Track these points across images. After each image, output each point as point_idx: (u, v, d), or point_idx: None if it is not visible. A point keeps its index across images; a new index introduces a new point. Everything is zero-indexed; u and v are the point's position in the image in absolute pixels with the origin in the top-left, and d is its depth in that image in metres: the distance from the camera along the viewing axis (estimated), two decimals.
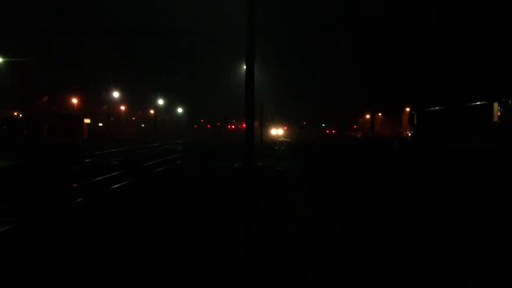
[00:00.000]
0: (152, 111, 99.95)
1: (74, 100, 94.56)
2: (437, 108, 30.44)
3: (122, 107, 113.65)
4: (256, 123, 30.81)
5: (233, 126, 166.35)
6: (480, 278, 7.73)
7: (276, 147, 48.51)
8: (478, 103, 25.13)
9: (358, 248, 9.36)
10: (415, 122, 33.79)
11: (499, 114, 22.87)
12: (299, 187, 18.78)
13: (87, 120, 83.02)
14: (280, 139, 75.45)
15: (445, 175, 23.34)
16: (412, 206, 14.30)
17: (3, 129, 55.09)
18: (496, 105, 23.14)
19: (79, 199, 15.65)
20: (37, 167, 27.27)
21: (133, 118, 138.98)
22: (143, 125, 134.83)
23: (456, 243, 9.93)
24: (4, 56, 48.45)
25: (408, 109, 61.48)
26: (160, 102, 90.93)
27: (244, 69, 8.35)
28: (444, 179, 21.96)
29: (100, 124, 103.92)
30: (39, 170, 26.05)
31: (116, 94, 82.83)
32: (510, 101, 22.07)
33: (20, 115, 68.17)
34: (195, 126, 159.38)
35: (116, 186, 19.23)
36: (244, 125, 8.49)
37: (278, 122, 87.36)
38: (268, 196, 15.63)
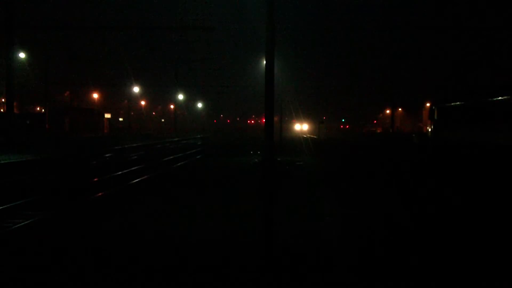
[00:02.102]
0: (172, 106, 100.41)
1: (95, 95, 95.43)
2: (458, 103, 30.18)
3: (143, 102, 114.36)
4: (276, 118, 30.83)
5: (252, 121, 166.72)
6: None
7: (297, 143, 48.08)
8: (499, 98, 24.87)
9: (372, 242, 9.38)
10: (436, 117, 33.55)
11: None
12: (317, 181, 18.83)
13: (107, 115, 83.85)
14: (305, 135, 68.77)
15: (467, 171, 23.16)
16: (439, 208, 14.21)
17: (26, 124, 55.82)
18: None
19: (100, 194, 15.83)
20: (59, 162, 27.60)
21: (153, 113, 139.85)
22: (163, 120, 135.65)
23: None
24: (26, 51, 49.02)
25: (428, 104, 60.99)
26: (180, 97, 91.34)
27: (264, 64, 8.39)
28: (465, 174, 21.80)
29: (121, 119, 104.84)
30: (61, 164, 26.37)
31: (136, 89, 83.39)
32: None
33: (43, 110, 68.94)
34: (214, 121, 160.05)
35: (136, 180, 19.40)
36: (264, 120, 8.53)
37: (303, 118, 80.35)
38: (287, 190, 15.69)
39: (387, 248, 8.98)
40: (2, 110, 72.16)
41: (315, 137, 62.50)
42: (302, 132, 74.29)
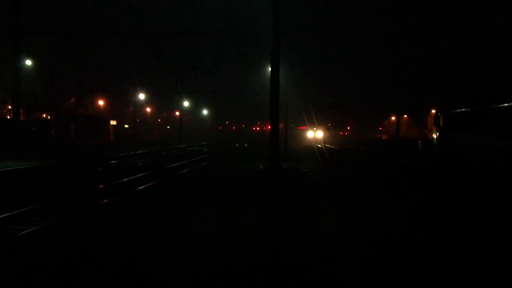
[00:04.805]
0: (177, 113, 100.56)
1: (101, 102, 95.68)
2: (464, 109, 30.07)
3: (148, 109, 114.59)
4: (281, 125, 30.79)
5: (257, 128, 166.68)
6: None
7: (306, 151, 47.49)
8: (506, 104, 24.77)
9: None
10: (441, 123, 33.43)
11: None
12: (321, 187, 18.87)
13: (113, 122, 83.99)
14: (320, 144, 58.56)
15: (474, 177, 23.08)
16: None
17: (32, 131, 55.98)
18: None
19: (105, 200, 15.84)
20: (65, 169, 27.65)
21: (159, 120, 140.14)
22: (168, 127, 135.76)
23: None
24: (32, 58, 49.20)
25: (433, 111, 60.85)
26: (186, 104, 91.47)
27: (270, 71, 8.40)
28: (472, 180, 21.73)
29: (126, 126, 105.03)
30: (67, 171, 26.41)
31: (142, 96, 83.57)
32: None
33: (49, 117, 69.19)
34: (220, 127, 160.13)
35: (141, 187, 19.40)
36: (269, 127, 8.55)
37: (317, 124, 71.33)
38: (292, 195, 15.71)
39: (395, 258, 8.89)
40: (8, 117, 72.47)
41: (326, 145, 59.53)
42: (315, 140, 67.04)
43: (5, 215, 12.70)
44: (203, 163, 33.65)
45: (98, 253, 9.13)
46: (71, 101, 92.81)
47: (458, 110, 30.96)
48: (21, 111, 38.51)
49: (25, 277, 7.78)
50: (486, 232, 11.09)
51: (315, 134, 67.17)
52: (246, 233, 10.49)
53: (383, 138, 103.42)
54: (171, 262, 8.45)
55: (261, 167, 26.55)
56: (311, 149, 50.72)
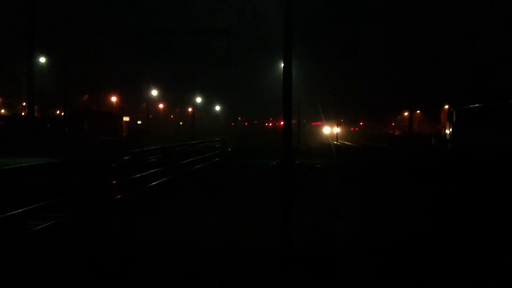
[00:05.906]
0: (190, 109, 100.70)
1: (114, 99, 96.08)
2: (477, 105, 29.90)
3: (161, 105, 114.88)
4: (294, 121, 30.81)
5: (270, 124, 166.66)
6: None
7: (321, 147, 46.94)
8: None
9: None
10: (454, 119, 33.26)
11: None
12: (332, 181, 18.96)
13: (126, 118, 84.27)
14: (337, 142, 52.37)
15: (486, 171, 22.99)
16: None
17: (47, 127, 56.44)
18: None
19: (119, 196, 15.97)
20: (78, 165, 27.86)
21: (171, 116, 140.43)
22: (181, 123, 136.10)
23: None
24: (46, 55, 49.53)
25: (447, 107, 60.48)
26: (198, 100, 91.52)
27: (282, 67, 8.44)
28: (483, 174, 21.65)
29: (139, 122, 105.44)
30: (80, 167, 26.60)
31: (154, 92, 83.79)
32: None
33: (62, 114, 69.74)
34: (232, 124, 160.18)
35: (155, 183, 19.53)
36: (282, 123, 8.61)
37: (334, 120, 68.88)
38: (304, 189, 15.77)
39: (402, 252, 8.90)
40: (23, 114, 73.14)
41: (340, 141, 57.81)
42: (332, 136, 62.66)
43: (20, 210, 12.88)
44: (216, 159, 33.75)
45: (101, 249, 9.23)
46: (85, 98, 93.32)
47: (471, 106, 30.79)
48: (36, 108, 38.77)
49: (30, 274, 7.90)
50: (504, 233, 10.99)
51: (331, 130, 65.59)
52: (257, 229, 10.56)
53: (396, 133, 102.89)
54: (179, 259, 8.54)
55: (274, 162, 26.62)
56: (326, 145, 50.08)
